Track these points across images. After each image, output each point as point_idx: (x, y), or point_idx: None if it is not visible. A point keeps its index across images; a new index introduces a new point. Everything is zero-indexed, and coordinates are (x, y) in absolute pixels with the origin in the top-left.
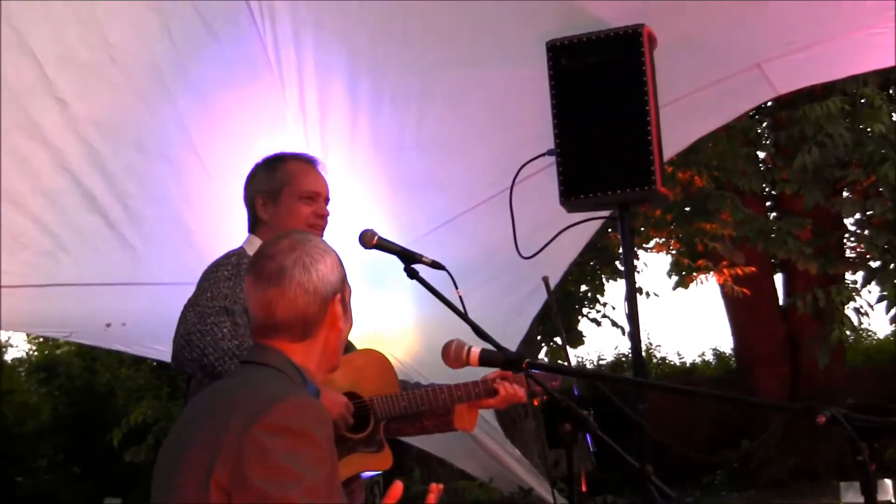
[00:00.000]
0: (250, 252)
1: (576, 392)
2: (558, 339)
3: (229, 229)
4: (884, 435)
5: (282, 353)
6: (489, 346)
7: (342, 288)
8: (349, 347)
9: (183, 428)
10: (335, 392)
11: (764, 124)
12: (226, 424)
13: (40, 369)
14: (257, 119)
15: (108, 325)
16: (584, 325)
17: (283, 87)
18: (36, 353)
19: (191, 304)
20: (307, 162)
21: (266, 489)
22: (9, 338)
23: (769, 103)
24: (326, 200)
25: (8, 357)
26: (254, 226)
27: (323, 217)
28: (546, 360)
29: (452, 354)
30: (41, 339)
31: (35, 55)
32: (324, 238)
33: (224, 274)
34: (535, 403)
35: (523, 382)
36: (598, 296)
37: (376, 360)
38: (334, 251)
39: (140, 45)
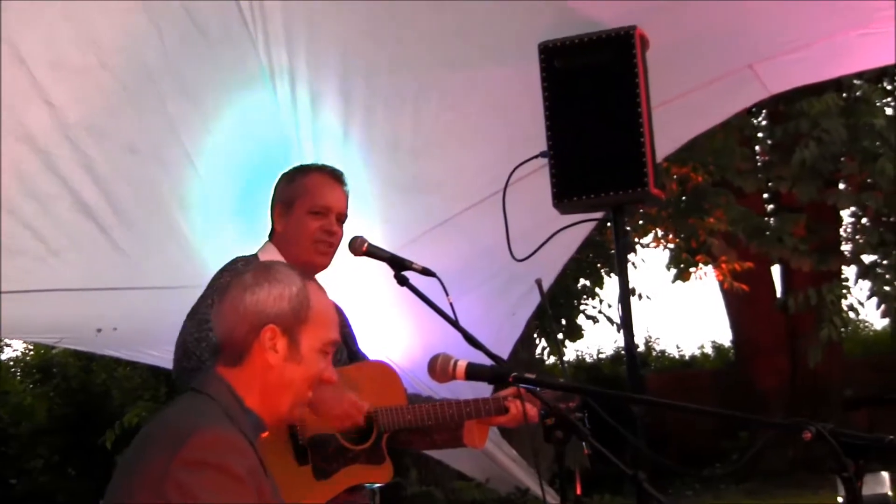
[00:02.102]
0: (264, 260)
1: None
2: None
3: (222, 232)
4: (869, 451)
5: (223, 381)
6: (480, 355)
7: (289, 323)
8: (358, 357)
9: (129, 455)
10: (344, 390)
11: (760, 118)
12: (150, 459)
13: (35, 370)
14: (249, 121)
15: (99, 331)
16: (583, 319)
17: (274, 88)
18: (31, 353)
19: (191, 314)
20: (327, 175)
21: None
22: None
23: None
24: (340, 217)
25: (3, 357)
26: (271, 234)
27: (331, 234)
28: (545, 355)
29: (438, 369)
30: None
31: (25, 59)
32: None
33: (226, 281)
34: (549, 423)
35: (536, 402)
36: (598, 289)
37: (384, 371)
38: (298, 288)
39: (130, 48)
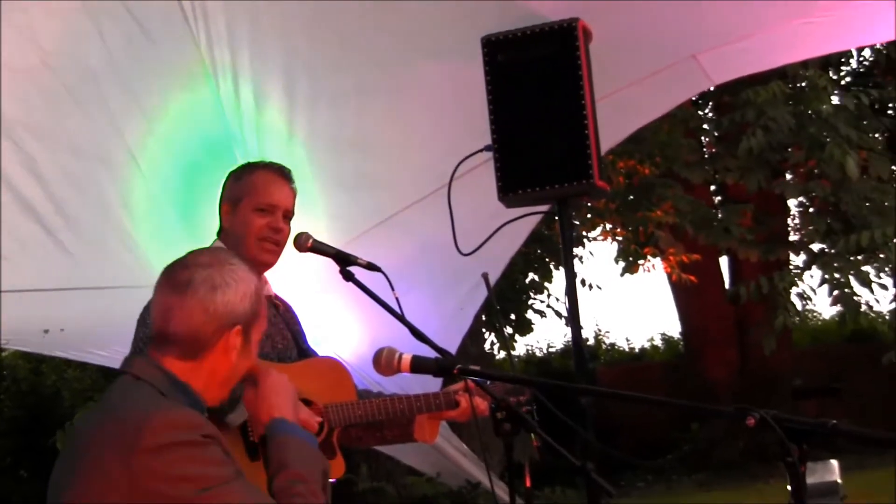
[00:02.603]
0: None
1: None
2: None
3: (168, 232)
4: (812, 436)
5: (161, 367)
6: (427, 349)
7: (248, 322)
8: (308, 354)
9: (73, 458)
10: (300, 403)
11: (707, 110)
12: (103, 461)
13: None
14: (193, 120)
15: (47, 332)
16: (532, 314)
17: (217, 87)
18: None
19: (141, 320)
20: (274, 172)
21: (193, 497)
22: None
23: (711, 89)
24: (286, 214)
25: None
26: (220, 232)
27: (277, 231)
28: (495, 350)
29: (384, 362)
30: None
31: None
32: (278, 253)
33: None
34: (500, 416)
35: (486, 396)
36: (547, 283)
37: (333, 367)
38: (255, 287)
39: (73, 49)
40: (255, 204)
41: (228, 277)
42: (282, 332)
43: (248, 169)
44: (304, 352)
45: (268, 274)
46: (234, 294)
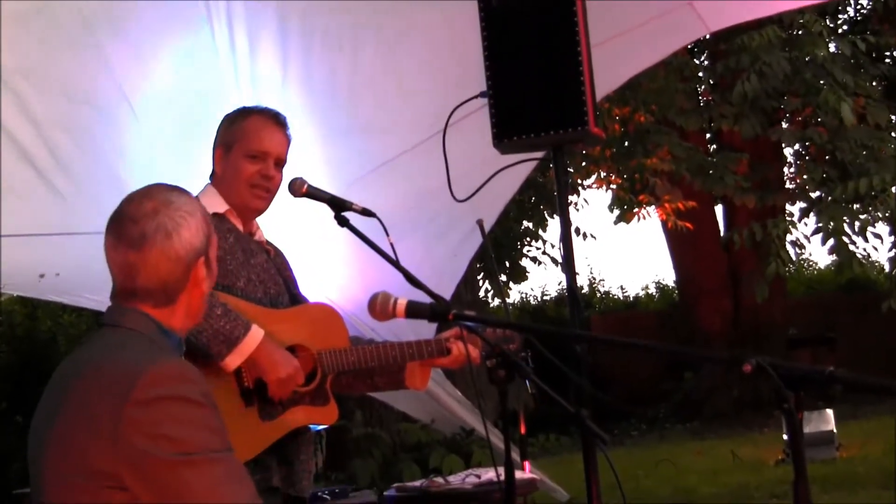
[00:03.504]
0: (205, 203)
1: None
2: (500, 276)
3: (160, 177)
4: (809, 382)
5: (144, 314)
6: (422, 295)
7: (206, 247)
8: (298, 301)
9: (49, 405)
10: (285, 353)
11: (702, 58)
12: (93, 407)
13: None
14: (188, 65)
15: (42, 276)
16: (527, 261)
17: (212, 33)
18: None
19: None
20: (268, 118)
21: (170, 459)
22: None
23: (707, 37)
24: (279, 161)
25: None
26: (212, 176)
27: (268, 178)
28: (489, 297)
29: (378, 307)
30: None
31: None
32: (269, 199)
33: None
34: (490, 364)
35: (478, 343)
36: (541, 231)
37: (326, 313)
38: (200, 209)
39: None
40: (246, 150)
41: (178, 218)
42: (273, 278)
43: (243, 114)
44: (296, 297)
45: (260, 219)
46: (189, 231)
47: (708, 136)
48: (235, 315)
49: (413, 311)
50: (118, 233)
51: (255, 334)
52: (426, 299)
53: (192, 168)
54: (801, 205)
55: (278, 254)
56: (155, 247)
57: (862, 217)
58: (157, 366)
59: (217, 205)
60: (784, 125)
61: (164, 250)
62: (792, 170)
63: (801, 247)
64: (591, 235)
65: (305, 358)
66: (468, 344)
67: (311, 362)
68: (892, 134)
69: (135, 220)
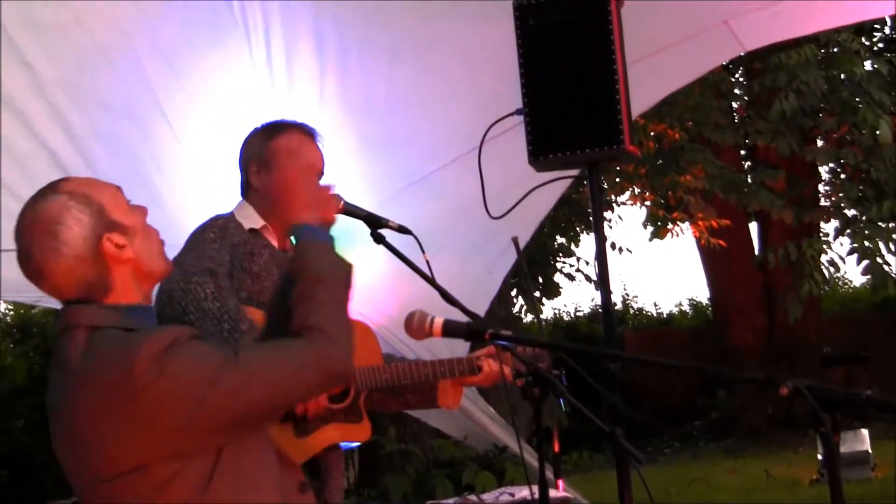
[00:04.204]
0: (240, 219)
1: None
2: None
3: (198, 191)
4: (845, 406)
5: (104, 306)
6: (457, 312)
7: (104, 224)
8: None
9: (60, 424)
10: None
11: (737, 75)
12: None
13: (15, 329)
14: (225, 79)
15: None
16: (560, 277)
17: (249, 46)
18: (11, 313)
19: (175, 263)
20: (305, 133)
21: (196, 402)
22: None
23: (742, 55)
24: (320, 175)
25: None
26: (245, 191)
27: None
28: (523, 314)
29: (415, 325)
30: None
31: None
32: None
33: (210, 236)
34: (520, 384)
35: (509, 361)
36: (574, 247)
37: (360, 330)
38: (66, 197)
39: (104, 6)
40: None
41: (51, 228)
42: None
43: (277, 129)
44: None
45: None
46: (69, 231)
47: (742, 152)
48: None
49: (449, 330)
50: (23, 271)
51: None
52: (461, 317)
53: (229, 179)
54: (835, 223)
55: None
56: (56, 268)
57: None
58: (144, 344)
59: (252, 220)
60: (819, 143)
61: (62, 265)
62: (827, 187)
63: (837, 267)
64: (627, 249)
65: None
66: (500, 362)
67: None
68: None
69: (25, 255)
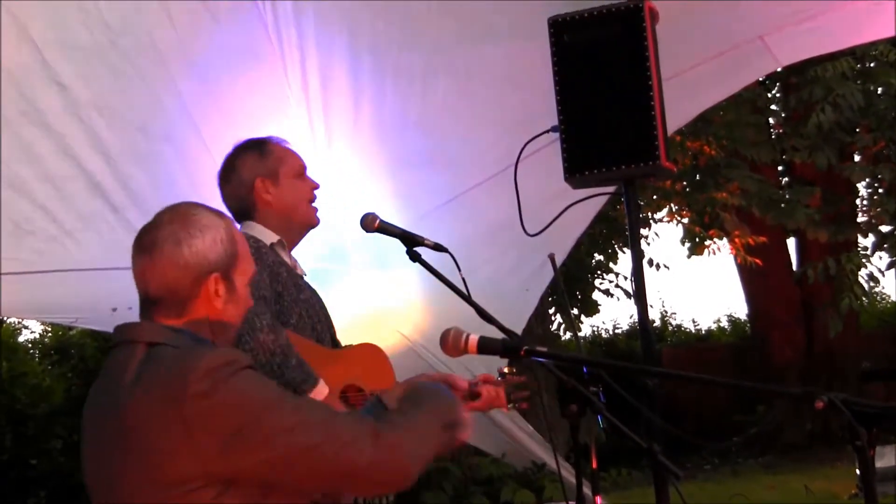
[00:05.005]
0: (263, 238)
1: (584, 369)
2: (571, 310)
3: None
4: (882, 420)
5: (167, 327)
6: (493, 330)
7: (226, 267)
8: (336, 338)
9: (101, 438)
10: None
11: (774, 90)
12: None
13: (53, 351)
14: (260, 101)
15: (115, 310)
16: (598, 294)
17: (285, 68)
18: (49, 335)
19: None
20: (282, 139)
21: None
22: (21, 320)
23: (779, 70)
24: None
25: (21, 339)
26: (249, 212)
27: (315, 189)
28: (561, 332)
29: (451, 342)
30: None
31: (34, 40)
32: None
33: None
34: (505, 410)
35: (503, 385)
36: (612, 264)
37: (375, 353)
38: (226, 229)
39: (140, 28)
40: (295, 170)
41: (192, 228)
42: (318, 315)
43: (264, 143)
44: (334, 336)
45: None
46: (202, 243)
47: (780, 168)
48: (309, 369)
49: (485, 347)
50: (136, 242)
51: (321, 391)
52: (498, 334)
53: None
54: (872, 238)
55: (317, 297)
56: (164, 253)
57: None
58: (200, 358)
59: (267, 237)
60: (856, 159)
61: (171, 257)
62: (865, 202)
63: (876, 281)
64: (665, 266)
65: (359, 398)
66: (494, 387)
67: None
68: None
69: (150, 229)
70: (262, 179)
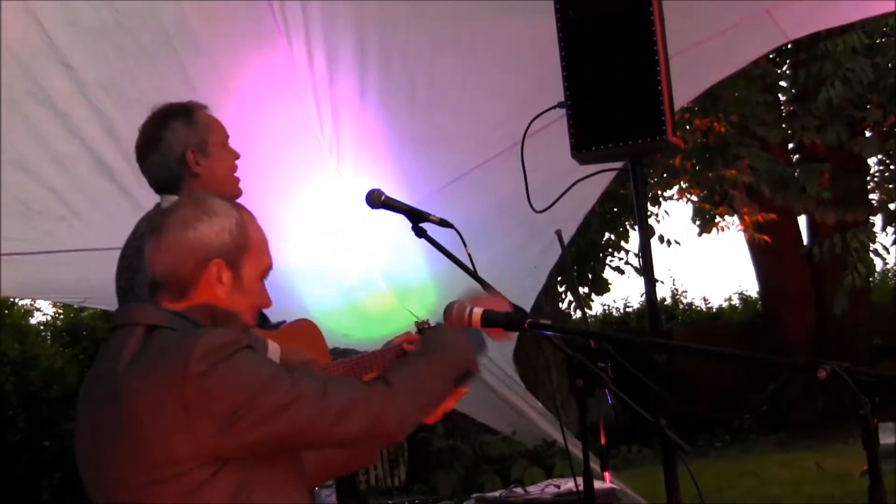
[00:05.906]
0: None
1: (592, 344)
2: (581, 288)
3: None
4: (885, 389)
5: (167, 310)
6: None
7: (232, 255)
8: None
9: (98, 420)
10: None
11: (784, 67)
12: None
13: (65, 333)
14: (267, 81)
15: None
16: (609, 273)
17: (290, 47)
18: (61, 317)
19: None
20: (204, 106)
21: (253, 411)
22: (33, 302)
23: (788, 46)
24: None
25: (33, 321)
26: (176, 185)
27: (237, 159)
28: (571, 310)
29: (455, 316)
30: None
31: (40, 20)
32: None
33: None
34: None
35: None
36: (623, 242)
37: (309, 329)
38: (235, 217)
39: (145, 8)
40: (221, 140)
41: (200, 212)
42: None
43: (189, 109)
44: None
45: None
46: (208, 228)
47: (790, 145)
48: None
49: (488, 319)
50: (148, 225)
51: (273, 350)
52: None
53: (274, 182)
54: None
55: None
56: (169, 234)
57: None
58: (201, 339)
59: None
60: (866, 135)
61: (176, 238)
62: (875, 179)
63: (882, 257)
64: (676, 241)
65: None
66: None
67: None
68: None
69: (165, 213)
70: (193, 150)
